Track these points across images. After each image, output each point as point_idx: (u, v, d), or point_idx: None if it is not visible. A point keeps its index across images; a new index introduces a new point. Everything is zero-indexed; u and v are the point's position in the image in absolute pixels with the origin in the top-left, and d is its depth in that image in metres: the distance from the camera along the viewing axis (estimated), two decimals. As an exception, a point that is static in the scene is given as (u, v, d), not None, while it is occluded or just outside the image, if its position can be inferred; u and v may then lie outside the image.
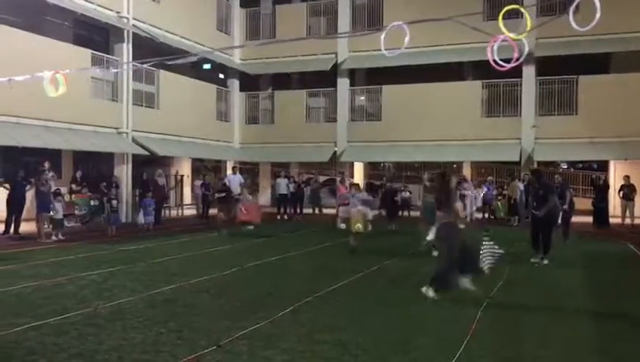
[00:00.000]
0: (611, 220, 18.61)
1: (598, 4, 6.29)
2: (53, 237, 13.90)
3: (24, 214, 15.06)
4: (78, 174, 18.08)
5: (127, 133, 19.64)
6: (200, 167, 25.50)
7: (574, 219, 14.24)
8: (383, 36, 7.84)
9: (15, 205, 14.72)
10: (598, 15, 6.31)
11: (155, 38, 19.99)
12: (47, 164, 15.61)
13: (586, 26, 6.72)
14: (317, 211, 22.89)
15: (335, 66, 24.82)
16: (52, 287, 8.20)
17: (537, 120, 22.24)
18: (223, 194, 16.52)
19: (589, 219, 18.36)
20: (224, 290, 8.15)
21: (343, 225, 12.49)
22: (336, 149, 24.76)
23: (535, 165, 20.84)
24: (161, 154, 20.67)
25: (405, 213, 19.52)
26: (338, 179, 20.61)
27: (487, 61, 7.89)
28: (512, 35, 7.08)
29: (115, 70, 18.69)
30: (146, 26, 20.40)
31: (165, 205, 20.75)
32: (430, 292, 7.41)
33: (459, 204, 7.90)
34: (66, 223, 15.06)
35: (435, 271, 7.62)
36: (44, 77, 9.40)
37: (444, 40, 21.73)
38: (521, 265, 10.23)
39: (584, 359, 5.34)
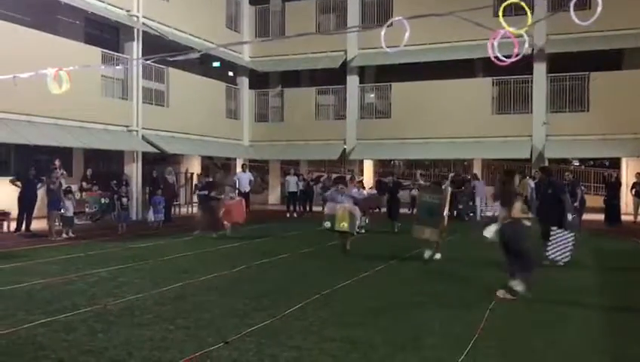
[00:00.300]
0: (623, 218, 18.47)
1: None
2: (64, 235, 13.99)
3: (35, 212, 15.19)
4: (89, 172, 18.20)
5: (137, 131, 19.73)
6: (209, 164, 25.55)
7: (585, 216, 14.14)
8: (383, 32, 7.84)
9: (26, 203, 14.84)
10: (599, 9, 6.27)
11: (164, 36, 20.06)
12: (57, 162, 15.72)
13: (588, 21, 6.68)
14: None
15: (344, 64, 24.79)
16: (62, 284, 8.26)
17: (548, 117, 22.10)
18: (205, 192, 15.03)
19: (601, 216, 18.22)
20: (232, 287, 8.17)
21: (327, 224, 11.33)
22: (345, 147, 24.74)
23: (546, 162, 20.72)
24: (171, 151, 20.75)
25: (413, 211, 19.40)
26: (348, 176, 20.59)
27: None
28: (512, 30, 7.04)
29: (118, 67, 18.74)
30: (156, 24, 20.49)
31: (175, 203, 20.83)
32: (519, 287, 7.40)
33: (518, 204, 7.62)
34: (76, 221, 15.16)
35: (520, 269, 7.54)
36: (47, 74, 9.44)
37: (453, 37, 21.62)
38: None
39: (594, 358, 5.30)
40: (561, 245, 9.98)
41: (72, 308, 6.74)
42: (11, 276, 8.80)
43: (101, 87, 18.71)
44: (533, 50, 21.87)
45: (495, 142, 22.37)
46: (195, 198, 17.84)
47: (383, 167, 27.13)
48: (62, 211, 14.20)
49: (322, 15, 25.91)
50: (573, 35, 20.15)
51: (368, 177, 25.20)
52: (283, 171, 26.60)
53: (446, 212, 10.65)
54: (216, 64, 25.61)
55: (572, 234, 10.01)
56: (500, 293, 7.50)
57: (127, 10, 19.50)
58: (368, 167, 26.02)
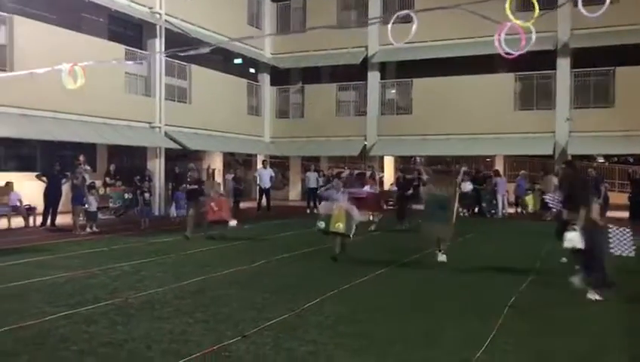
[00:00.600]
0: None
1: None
2: (88, 230, 14.22)
3: (60, 207, 15.46)
4: (112, 168, 18.47)
5: (159, 127, 19.97)
6: (231, 161, 25.73)
7: (610, 213, 13.93)
8: (389, 26, 7.81)
9: (51, 198, 15.11)
10: (607, 2, 6.18)
11: (186, 33, 20.22)
12: (82, 158, 15.98)
13: (596, 13, 6.60)
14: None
15: (365, 60, 24.73)
16: (85, 278, 8.41)
17: (572, 113, 21.77)
18: (195, 187, 13.74)
19: (626, 213, 17.92)
20: (252, 282, 8.25)
21: (321, 224, 10.15)
22: (366, 143, 24.69)
23: (569, 158, 20.42)
24: (193, 148, 20.94)
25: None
26: (368, 173, 20.56)
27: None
28: (519, 23, 6.97)
29: (129, 63, 18.89)
30: (178, 21, 20.68)
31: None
32: (596, 296, 7.14)
33: (596, 206, 7.38)
34: (100, 216, 15.40)
35: (594, 278, 7.31)
36: (62, 69, 9.56)
37: (475, 32, 21.39)
38: (553, 260, 10.04)
39: (615, 354, 5.25)
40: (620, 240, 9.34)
41: (94, 301, 6.87)
42: (36, 269, 8.99)
43: (125, 84, 18.97)
44: (556, 45, 21.59)
45: (517, 139, 22.12)
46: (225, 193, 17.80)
47: (404, 163, 27.02)
48: (86, 206, 14.44)
49: (343, 11, 25.87)
50: (599, 30, 19.82)
51: (389, 174, 25.15)
52: (303, 167, 26.67)
53: (455, 207, 10.05)
54: (237, 61, 25.75)
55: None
56: (591, 295, 7.18)
57: (150, 8, 19.71)
58: (389, 163, 25.95)
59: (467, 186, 20.23)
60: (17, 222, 15.20)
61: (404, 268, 9.58)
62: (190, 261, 10.11)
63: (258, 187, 22.04)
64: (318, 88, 26.70)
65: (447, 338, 5.60)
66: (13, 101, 14.90)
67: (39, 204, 15.41)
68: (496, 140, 22.47)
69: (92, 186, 15.11)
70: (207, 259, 10.35)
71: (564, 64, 21.90)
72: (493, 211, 20.10)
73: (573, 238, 7.44)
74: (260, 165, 23.78)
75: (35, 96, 14.95)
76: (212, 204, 13.19)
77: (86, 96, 15.92)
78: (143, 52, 19.69)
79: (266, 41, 26.10)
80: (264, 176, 21.51)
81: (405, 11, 7.82)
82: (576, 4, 7.15)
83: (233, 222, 12.97)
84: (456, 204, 10.02)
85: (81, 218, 14.49)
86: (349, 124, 25.28)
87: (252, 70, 27.12)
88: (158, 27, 19.87)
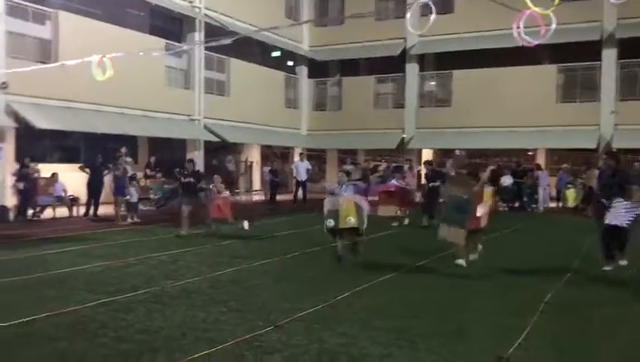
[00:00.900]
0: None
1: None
2: (129, 220, 14.57)
3: (102, 198, 15.87)
4: (153, 160, 18.85)
5: (198, 120, 20.28)
6: (268, 153, 25.92)
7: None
8: (408, 15, 7.71)
9: (94, 189, 15.52)
10: None
11: (225, 26, 20.41)
12: (123, 150, 16.31)
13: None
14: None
15: (404, 52, 24.50)
16: (124, 267, 8.64)
17: (617, 105, 21.12)
18: (190, 180, 12.74)
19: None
20: (285, 273, 8.32)
21: (330, 222, 8.97)
22: (404, 136, 24.50)
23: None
24: (232, 140, 21.19)
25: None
26: (406, 166, 20.39)
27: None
28: (538, 10, 6.82)
29: (156, 53, 19.15)
30: (217, 14, 20.90)
31: (235, 190, 21.25)
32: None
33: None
34: (141, 207, 15.74)
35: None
36: (92, 61, 9.72)
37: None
38: (593, 257, 9.78)
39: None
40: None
41: (132, 289, 7.05)
42: (78, 258, 9.27)
43: (165, 78, 19.30)
44: (602, 35, 20.95)
45: (559, 132, 21.58)
46: (262, 186, 17.34)
47: (443, 156, 26.66)
48: (127, 197, 14.79)
49: (381, 2, 25.66)
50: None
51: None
52: (340, 160, 26.63)
53: (482, 210, 8.59)
54: (275, 54, 25.86)
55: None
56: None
57: (190, 2, 20.01)
58: (427, 156, 25.64)
59: (507, 180, 19.91)
60: (62, 211, 15.71)
61: (438, 264, 9.47)
62: (226, 251, 10.25)
63: (295, 179, 22.14)
64: (355, 80, 26.59)
65: (481, 334, 5.53)
66: (57, 94, 15.37)
67: (82, 194, 15.87)
68: (537, 133, 22.01)
69: (133, 178, 15.46)
70: (241, 250, 10.47)
71: (610, 55, 21.24)
72: (534, 205, 19.70)
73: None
74: (297, 158, 23.89)
75: (79, 89, 15.35)
76: (219, 202, 12.45)
77: (127, 89, 16.30)
78: (185, 45, 19.98)
79: (303, 33, 26.15)
80: (301, 168, 21.59)
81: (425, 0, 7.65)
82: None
83: (245, 224, 12.37)
84: (484, 203, 8.79)
85: (123, 209, 14.85)
86: (387, 116, 25.12)
87: (290, 63, 27.22)
88: (197, 21, 20.14)
